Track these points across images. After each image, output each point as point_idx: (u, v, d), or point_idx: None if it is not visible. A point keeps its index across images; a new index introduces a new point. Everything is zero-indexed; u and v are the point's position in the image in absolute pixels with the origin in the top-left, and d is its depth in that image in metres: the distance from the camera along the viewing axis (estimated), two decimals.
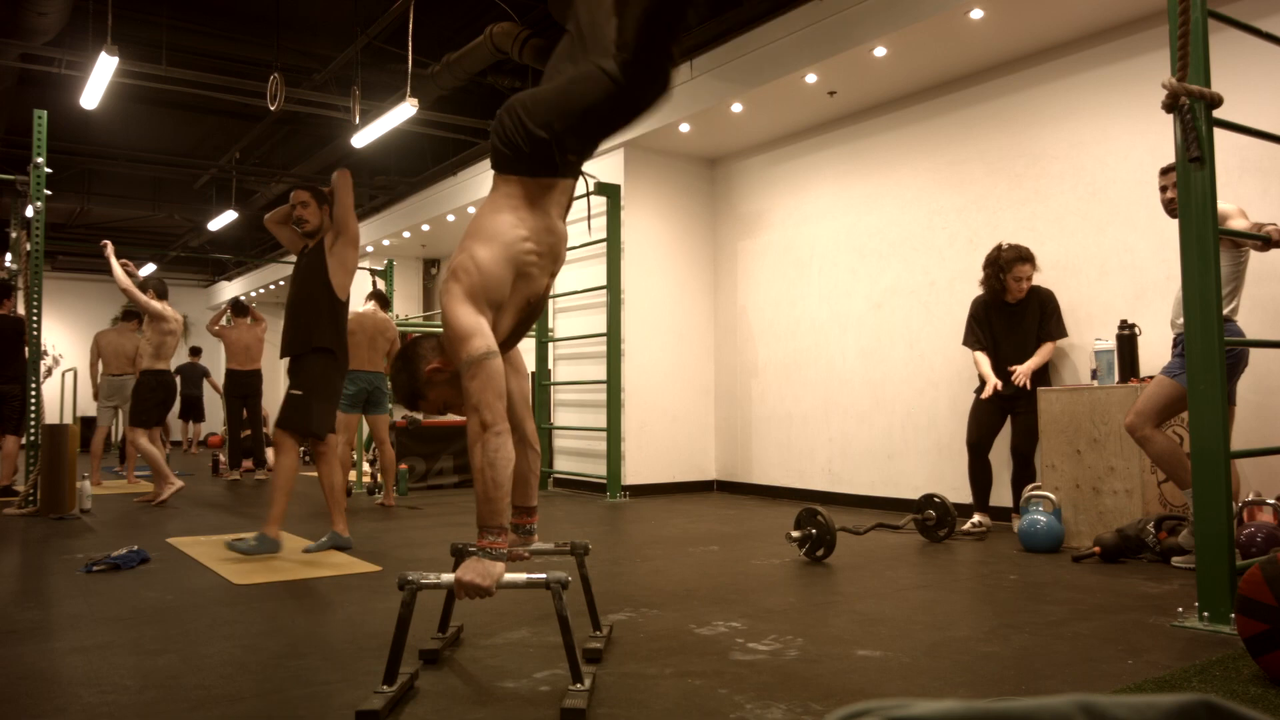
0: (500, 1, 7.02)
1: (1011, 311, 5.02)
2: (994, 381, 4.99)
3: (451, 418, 8.79)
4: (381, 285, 7.86)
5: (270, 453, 10.10)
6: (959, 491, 5.37)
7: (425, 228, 10.54)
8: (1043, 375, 4.98)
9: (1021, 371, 4.89)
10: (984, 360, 5.09)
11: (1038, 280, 5.04)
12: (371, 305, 6.72)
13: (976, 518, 4.92)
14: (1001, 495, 5.17)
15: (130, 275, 6.78)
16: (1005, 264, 4.91)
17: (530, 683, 2.33)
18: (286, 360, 4.63)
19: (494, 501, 2.13)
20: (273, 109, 7.01)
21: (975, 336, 5.13)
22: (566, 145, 2.28)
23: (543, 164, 2.30)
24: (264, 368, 9.04)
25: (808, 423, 6.80)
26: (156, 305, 6.99)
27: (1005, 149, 5.57)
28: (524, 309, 2.37)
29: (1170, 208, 3.90)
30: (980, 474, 5.04)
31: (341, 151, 9.89)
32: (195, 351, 13.60)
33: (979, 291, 5.13)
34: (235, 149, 10.59)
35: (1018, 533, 4.46)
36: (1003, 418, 5.03)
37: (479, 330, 2.17)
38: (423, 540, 4.90)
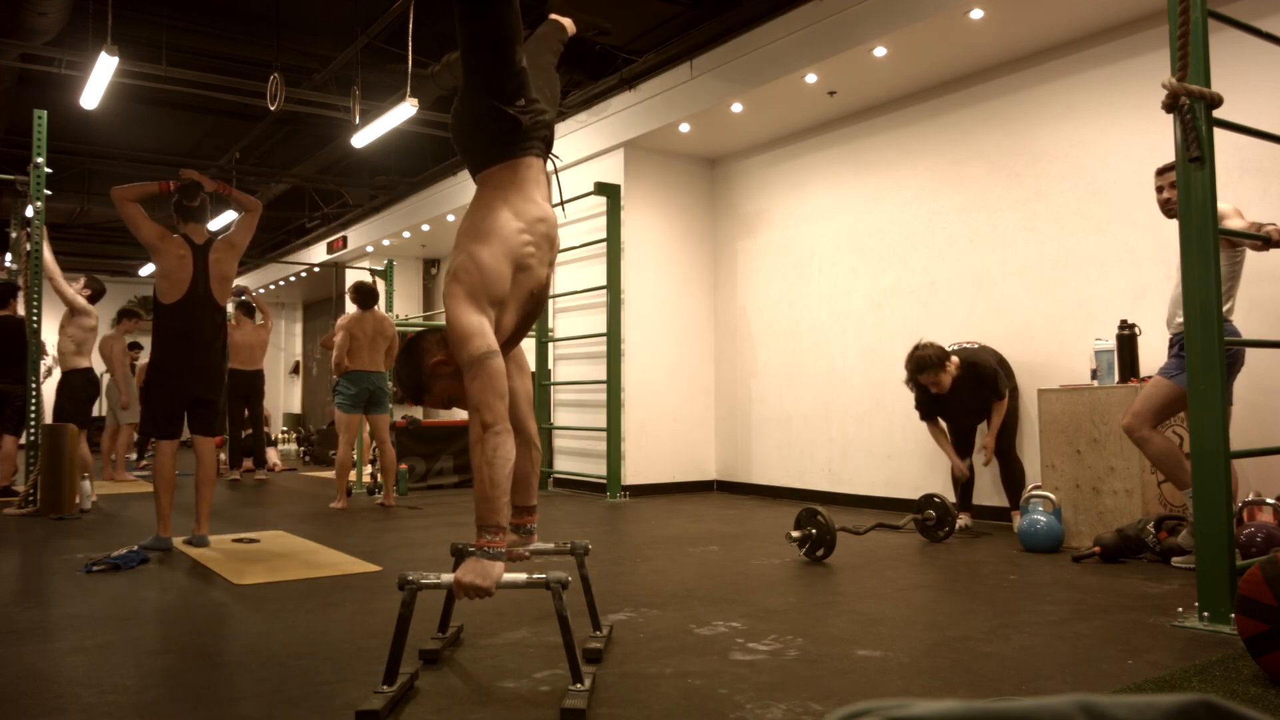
0: None
1: (949, 394, 5.05)
2: (961, 466, 5.13)
3: (452, 416, 8.80)
4: (369, 279, 7.80)
5: (272, 453, 10.13)
6: None
7: (425, 228, 10.54)
8: (1007, 381, 5.10)
9: (989, 449, 5.02)
10: (943, 440, 5.19)
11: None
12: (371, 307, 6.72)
13: (962, 519, 5.02)
14: (996, 495, 5.19)
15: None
16: (912, 374, 5.01)
17: (530, 683, 2.34)
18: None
19: (492, 500, 2.14)
20: (273, 109, 7.00)
21: (923, 412, 5.19)
22: (504, 89, 2.33)
23: (503, 134, 2.36)
24: (265, 368, 9.05)
25: (808, 423, 6.79)
26: (81, 300, 6.96)
27: (1005, 149, 5.57)
28: (527, 302, 2.38)
29: (1166, 208, 3.90)
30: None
31: (341, 151, 9.89)
32: None
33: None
34: (235, 149, 10.58)
35: (1017, 533, 4.47)
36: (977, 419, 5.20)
37: (480, 330, 2.19)
38: (423, 540, 4.90)
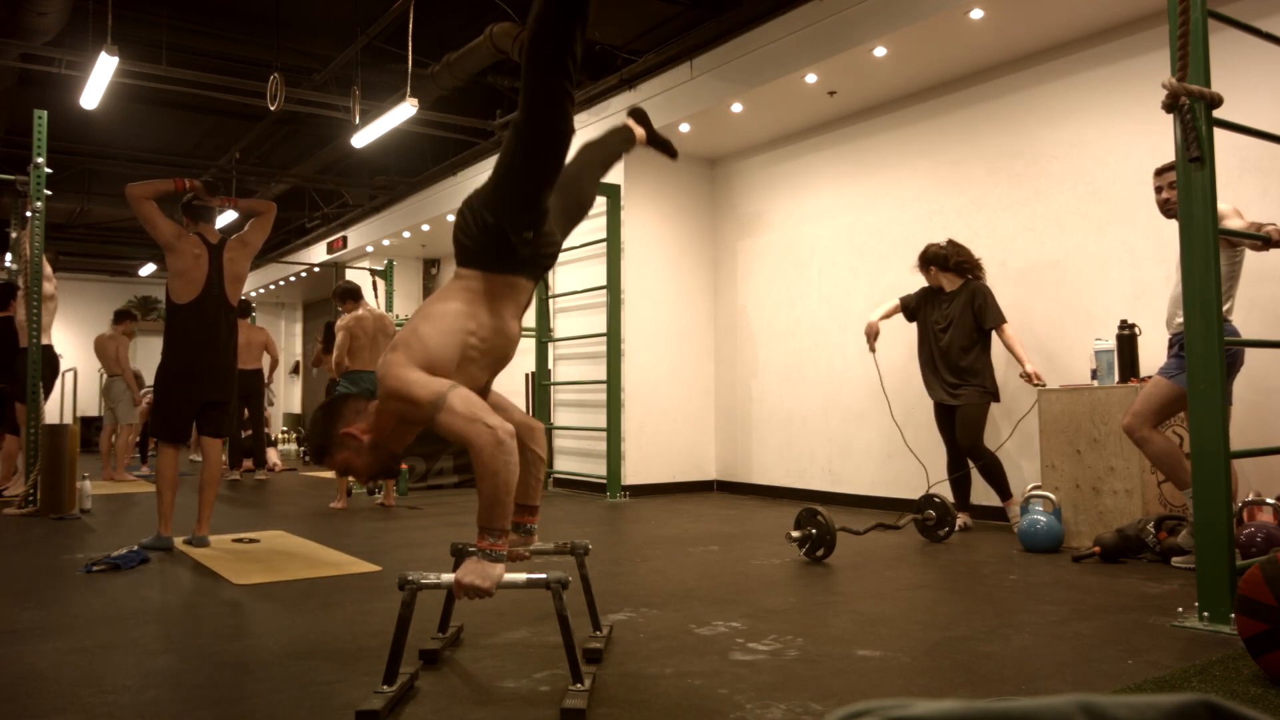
0: (500, 1, 7.02)
1: (945, 300, 5.20)
2: (875, 321, 5.43)
3: None
4: (351, 279, 7.78)
5: (272, 453, 10.13)
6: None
7: (425, 228, 10.54)
8: (987, 372, 5.10)
9: (1035, 372, 4.93)
10: (884, 309, 5.51)
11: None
12: (364, 307, 6.72)
13: (962, 519, 5.08)
14: (992, 495, 5.20)
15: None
16: (921, 256, 5.31)
17: (530, 683, 2.34)
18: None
19: (503, 505, 2.12)
20: (273, 109, 7.01)
21: (913, 305, 5.39)
22: (516, 222, 2.25)
23: (500, 252, 2.28)
24: (264, 368, 9.05)
25: (808, 423, 6.79)
26: (49, 266, 6.58)
27: (1005, 149, 5.57)
28: None
29: (1165, 208, 3.90)
30: (957, 476, 5.24)
31: (341, 151, 9.89)
32: None
33: None
34: (235, 149, 10.58)
35: (1018, 533, 4.47)
36: (953, 418, 5.19)
37: (432, 379, 2.15)
38: (423, 540, 4.90)
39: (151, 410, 4.54)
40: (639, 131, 2.86)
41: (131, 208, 4.49)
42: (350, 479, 6.75)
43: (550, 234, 2.38)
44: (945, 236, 5.84)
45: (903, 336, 6.09)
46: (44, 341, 6.72)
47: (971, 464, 5.07)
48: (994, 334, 5.10)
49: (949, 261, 5.19)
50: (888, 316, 5.50)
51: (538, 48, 2.08)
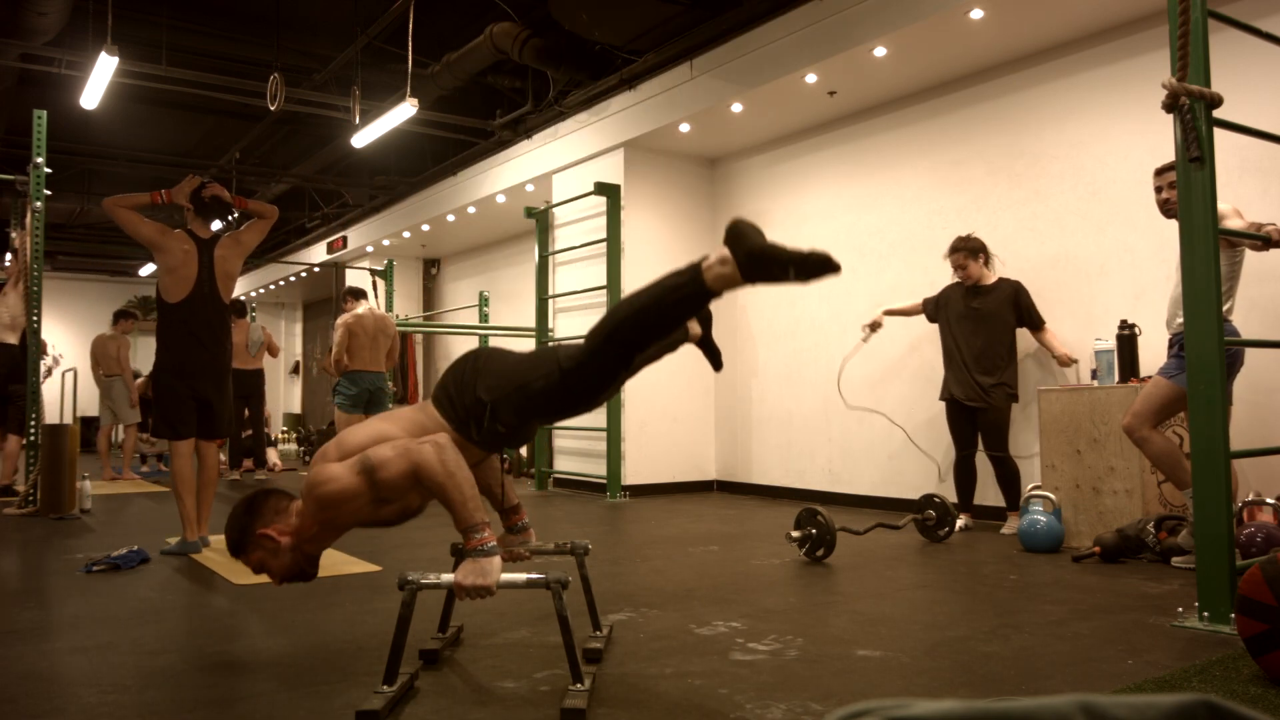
0: (500, 1, 7.02)
1: (978, 295, 5.12)
2: (875, 319, 5.50)
3: None
4: (361, 281, 7.80)
5: (272, 453, 10.12)
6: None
7: (425, 228, 10.54)
8: (1015, 373, 5.08)
9: (1065, 354, 4.94)
10: (901, 306, 5.55)
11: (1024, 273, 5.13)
12: (365, 306, 6.72)
13: (962, 519, 5.05)
14: (993, 495, 5.18)
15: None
16: (951, 248, 5.22)
17: (530, 683, 2.34)
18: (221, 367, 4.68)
19: (472, 500, 2.14)
20: (273, 109, 7.01)
21: (935, 302, 5.34)
22: (500, 414, 2.28)
23: (471, 424, 2.30)
24: (265, 367, 9.05)
25: (808, 423, 6.79)
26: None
27: (1005, 149, 5.57)
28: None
29: (1165, 208, 3.90)
30: (963, 476, 5.20)
31: (341, 151, 9.89)
32: None
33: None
34: (235, 149, 10.58)
35: (1018, 533, 4.47)
36: (973, 423, 5.13)
37: (349, 461, 2.19)
38: (423, 540, 4.90)
39: (151, 411, 4.53)
40: (694, 330, 2.73)
41: (113, 219, 4.44)
42: None
43: (526, 431, 2.42)
44: (945, 236, 5.83)
45: (902, 334, 6.09)
46: (9, 341, 6.72)
47: (993, 466, 5.07)
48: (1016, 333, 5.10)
49: (983, 249, 5.13)
50: (903, 314, 5.51)
51: (622, 335, 2.14)
